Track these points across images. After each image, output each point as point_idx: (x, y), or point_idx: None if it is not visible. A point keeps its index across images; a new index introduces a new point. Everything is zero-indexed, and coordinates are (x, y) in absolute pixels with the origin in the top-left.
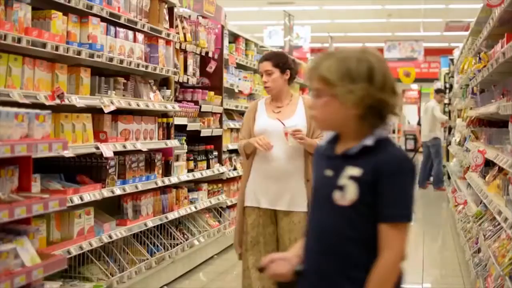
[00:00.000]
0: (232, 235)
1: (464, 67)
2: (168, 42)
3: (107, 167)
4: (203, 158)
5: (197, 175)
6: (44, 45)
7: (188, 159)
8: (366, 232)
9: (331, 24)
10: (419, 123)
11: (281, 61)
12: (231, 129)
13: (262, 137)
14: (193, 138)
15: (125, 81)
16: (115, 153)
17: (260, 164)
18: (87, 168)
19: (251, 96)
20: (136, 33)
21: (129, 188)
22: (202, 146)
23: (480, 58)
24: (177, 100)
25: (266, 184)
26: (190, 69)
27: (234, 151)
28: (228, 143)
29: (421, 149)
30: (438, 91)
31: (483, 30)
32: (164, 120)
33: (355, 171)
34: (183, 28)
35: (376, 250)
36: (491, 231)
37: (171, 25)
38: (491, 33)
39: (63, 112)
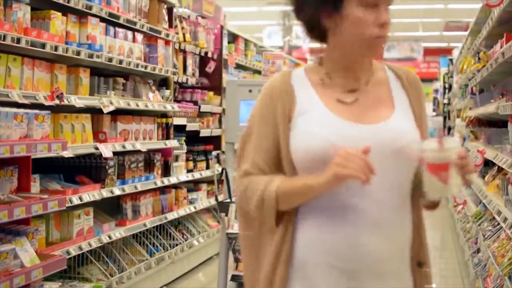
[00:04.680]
0: None
1: (463, 67)
2: (167, 42)
3: (107, 167)
4: (203, 158)
5: (197, 175)
6: (43, 46)
7: (187, 159)
8: None
9: None
10: None
11: None
12: None
13: (355, 152)
14: (193, 138)
15: (124, 81)
16: (114, 153)
17: (326, 238)
18: (87, 169)
19: None
20: (135, 33)
21: (128, 189)
22: (201, 146)
23: (479, 58)
24: (176, 100)
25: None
26: (189, 69)
27: None
28: None
29: None
30: None
31: (482, 30)
32: (163, 120)
33: None
34: (182, 28)
35: None
36: (490, 231)
37: (170, 25)
38: (490, 33)
39: (62, 112)
